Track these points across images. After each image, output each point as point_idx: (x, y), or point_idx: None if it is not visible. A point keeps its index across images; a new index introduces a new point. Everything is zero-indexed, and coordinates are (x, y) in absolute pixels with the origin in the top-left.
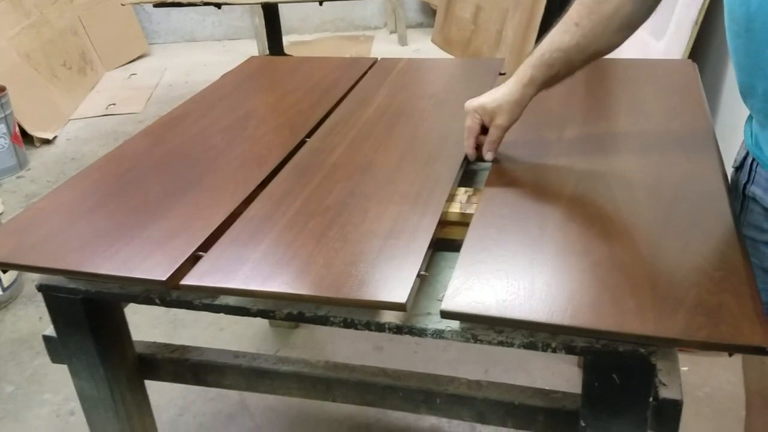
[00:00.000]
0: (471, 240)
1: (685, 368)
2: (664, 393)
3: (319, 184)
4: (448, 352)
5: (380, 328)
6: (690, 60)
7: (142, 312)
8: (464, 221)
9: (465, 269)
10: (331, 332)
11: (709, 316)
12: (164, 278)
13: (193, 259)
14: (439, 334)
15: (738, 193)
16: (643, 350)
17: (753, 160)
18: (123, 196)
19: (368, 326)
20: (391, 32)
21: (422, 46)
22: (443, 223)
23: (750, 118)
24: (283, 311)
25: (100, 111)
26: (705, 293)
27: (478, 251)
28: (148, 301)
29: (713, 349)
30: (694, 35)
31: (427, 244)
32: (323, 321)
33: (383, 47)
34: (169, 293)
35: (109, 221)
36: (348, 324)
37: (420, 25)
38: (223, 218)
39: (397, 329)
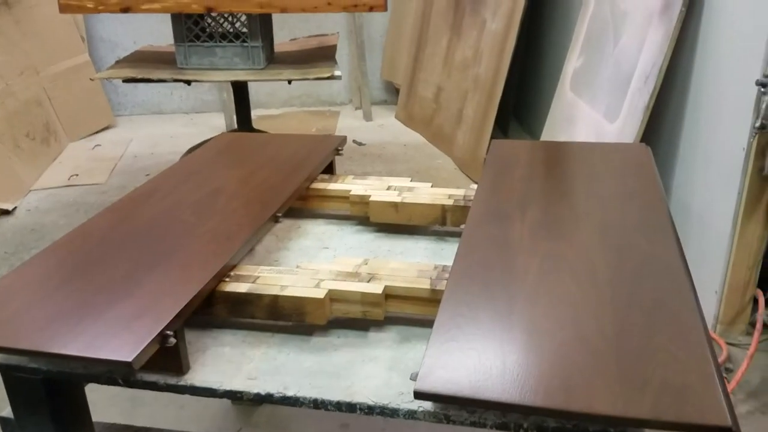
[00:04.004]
0: (443, 317)
1: None
2: None
3: None
4: (416, 429)
5: (351, 408)
6: (644, 144)
7: (99, 389)
8: (435, 298)
9: (438, 347)
10: (296, 409)
11: (675, 396)
12: (130, 359)
13: (161, 339)
14: (411, 415)
15: None
16: (612, 431)
17: None
18: (89, 273)
19: (339, 407)
20: (357, 108)
21: (386, 122)
22: (412, 299)
23: None
24: (251, 392)
25: (62, 182)
26: (670, 373)
27: (449, 329)
28: (111, 381)
29: (681, 430)
30: (646, 119)
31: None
32: (293, 402)
33: (349, 122)
34: (133, 374)
35: (75, 300)
36: (318, 404)
37: (384, 102)
38: (192, 295)
39: (369, 410)
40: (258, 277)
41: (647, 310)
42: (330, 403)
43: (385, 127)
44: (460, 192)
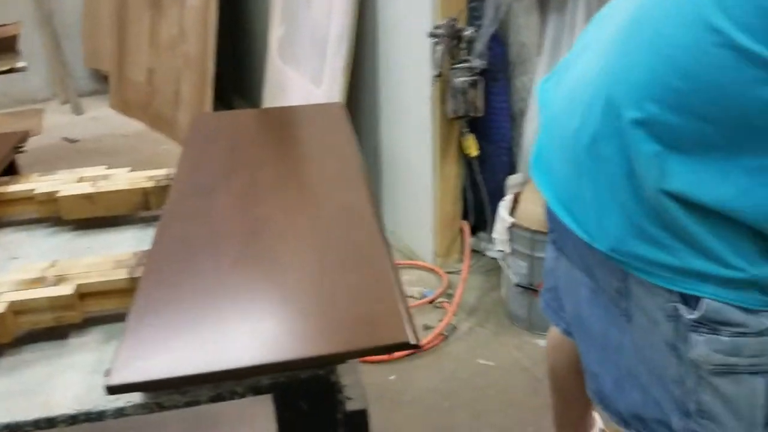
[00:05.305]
0: (139, 304)
1: (392, 377)
2: (350, 406)
3: None
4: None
5: (51, 423)
6: (339, 102)
7: None
8: (136, 287)
9: (134, 337)
10: None
11: (367, 325)
12: None
13: None
14: (120, 413)
15: None
16: (322, 372)
17: None
18: None
19: (37, 425)
20: (63, 103)
21: (100, 113)
22: (111, 293)
23: None
24: None
25: None
26: (362, 306)
27: (147, 314)
28: None
29: (376, 353)
30: (347, 80)
31: None
32: None
33: (57, 119)
34: None
35: None
36: (12, 429)
37: (95, 93)
38: None
39: (72, 420)
40: None
41: (343, 254)
42: (26, 424)
43: (99, 119)
44: (162, 172)
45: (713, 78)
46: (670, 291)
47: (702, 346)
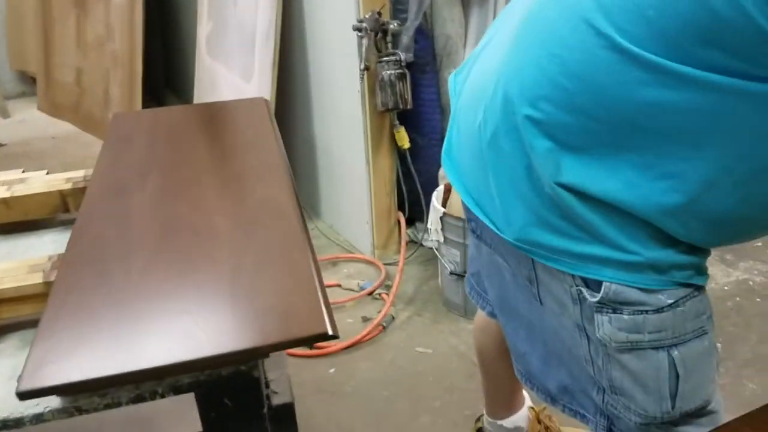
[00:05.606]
0: (52, 308)
1: (332, 370)
2: (276, 400)
3: None
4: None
5: None
6: (262, 98)
7: None
8: (49, 291)
9: (45, 341)
10: None
11: (284, 319)
12: None
13: None
14: (39, 419)
15: None
16: (244, 367)
17: None
18: None
19: None
20: None
21: (28, 116)
22: (26, 298)
23: None
24: None
25: None
26: (281, 299)
27: (60, 318)
28: None
29: (294, 346)
30: (276, 76)
31: None
32: None
33: None
34: None
35: None
36: None
37: (22, 95)
38: None
39: None
40: None
41: (263, 248)
42: None
43: (27, 122)
44: (80, 173)
45: (599, 79)
46: (573, 276)
47: (606, 326)
